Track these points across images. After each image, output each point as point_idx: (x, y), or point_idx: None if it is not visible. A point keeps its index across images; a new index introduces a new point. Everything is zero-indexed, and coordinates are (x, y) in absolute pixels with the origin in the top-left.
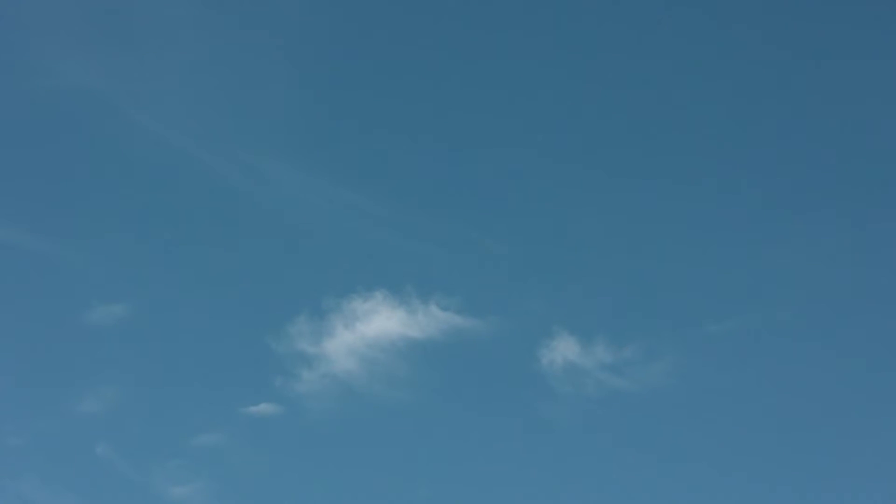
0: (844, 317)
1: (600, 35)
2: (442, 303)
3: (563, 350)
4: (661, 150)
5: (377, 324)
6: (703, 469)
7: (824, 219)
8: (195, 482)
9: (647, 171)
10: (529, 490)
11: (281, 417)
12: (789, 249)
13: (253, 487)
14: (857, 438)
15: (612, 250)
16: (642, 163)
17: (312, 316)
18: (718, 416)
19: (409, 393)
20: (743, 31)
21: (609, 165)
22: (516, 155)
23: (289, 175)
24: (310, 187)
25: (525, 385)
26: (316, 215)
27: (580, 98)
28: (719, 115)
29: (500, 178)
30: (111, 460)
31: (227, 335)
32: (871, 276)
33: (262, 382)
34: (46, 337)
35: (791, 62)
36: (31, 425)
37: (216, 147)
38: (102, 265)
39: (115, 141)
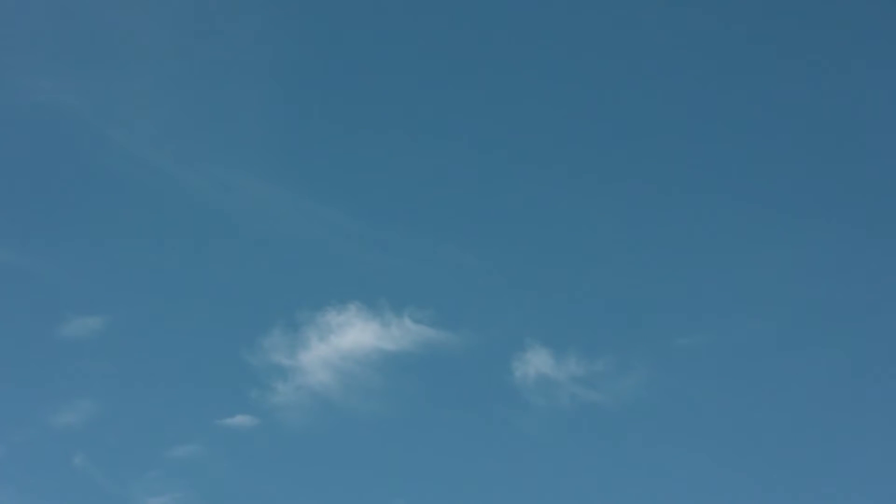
0: (815, 330)
1: (579, 37)
2: (415, 315)
3: (535, 363)
4: (633, 165)
5: (351, 336)
6: (675, 481)
7: (797, 231)
8: (171, 493)
9: (620, 187)
10: (502, 501)
11: (256, 429)
12: (761, 263)
13: (229, 498)
14: (831, 450)
15: (585, 263)
16: (614, 178)
17: (287, 329)
18: (690, 428)
19: (384, 405)
20: (733, 34)
21: (582, 181)
22: (489, 168)
23: (262, 189)
24: (283, 201)
25: (498, 397)
26: (289, 229)
27: (555, 109)
28: (699, 127)
29: (473, 192)
30: (88, 472)
31: (202, 348)
32: (843, 289)
33: (237, 394)
34: (23, 349)
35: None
36: (8, 437)
37: (190, 161)
38: (78, 278)
39: (90, 156)
